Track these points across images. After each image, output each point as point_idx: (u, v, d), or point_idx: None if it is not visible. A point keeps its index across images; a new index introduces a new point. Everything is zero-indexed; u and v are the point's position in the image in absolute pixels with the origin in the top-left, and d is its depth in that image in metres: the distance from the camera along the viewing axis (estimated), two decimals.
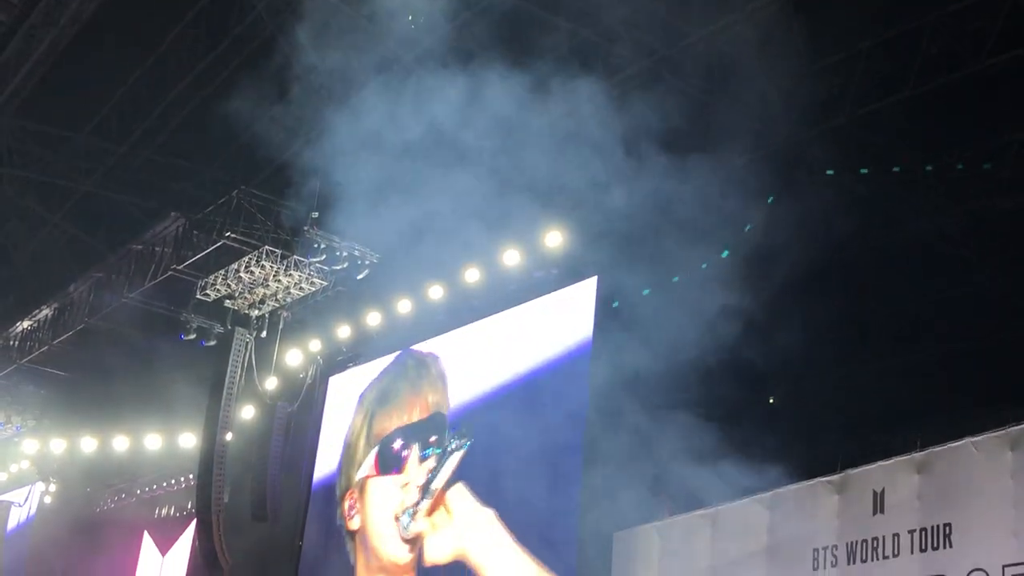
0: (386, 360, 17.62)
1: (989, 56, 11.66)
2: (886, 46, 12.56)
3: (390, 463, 15.63)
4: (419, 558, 12.82)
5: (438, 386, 15.64)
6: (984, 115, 12.98)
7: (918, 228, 14.28)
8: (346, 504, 16.17)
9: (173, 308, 18.48)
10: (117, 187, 18.52)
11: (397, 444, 15.21)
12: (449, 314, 16.47)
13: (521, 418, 14.47)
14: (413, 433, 15.07)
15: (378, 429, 15.95)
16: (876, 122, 13.34)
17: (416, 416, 15.33)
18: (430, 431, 14.89)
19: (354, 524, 15.85)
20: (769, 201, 14.15)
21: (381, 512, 15.58)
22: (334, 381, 18.92)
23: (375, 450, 15.60)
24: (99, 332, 20.23)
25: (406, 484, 15.53)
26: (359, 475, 15.67)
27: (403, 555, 14.79)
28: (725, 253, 13.60)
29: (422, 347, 16.54)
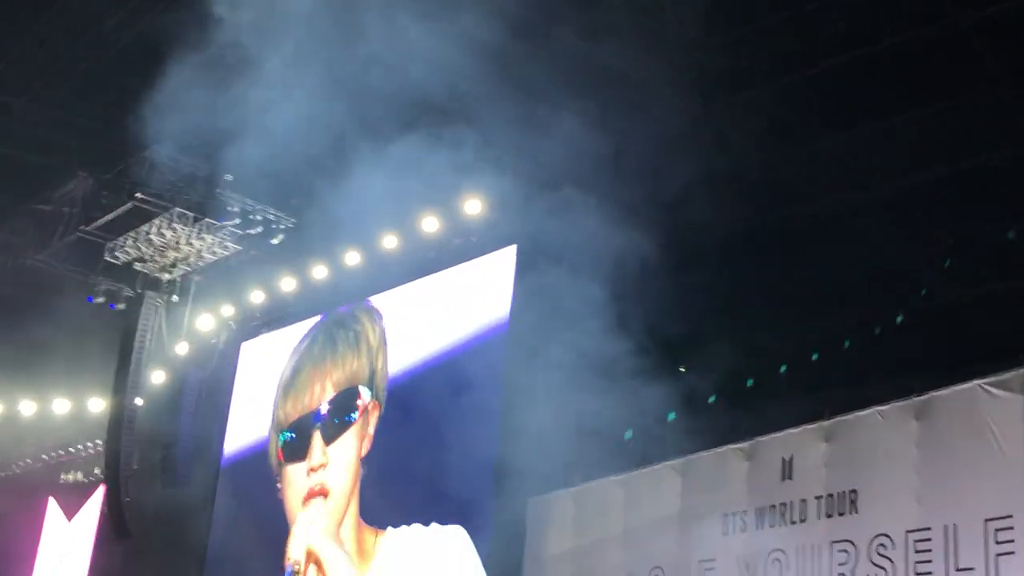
0: (301, 326, 17.48)
1: (896, 33, 11.90)
2: (796, 21, 12.75)
3: (292, 452, 15.44)
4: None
5: (349, 359, 14.98)
6: (896, 89, 13.26)
7: (830, 201, 14.57)
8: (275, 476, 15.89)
9: (81, 271, 18.08)
10: (21, 144, 17.96)
11: (295, 435, 14.79)
12: (366, 281, 16.39)
13: (438, 388, 14.50)
14: (313, 419, 14.65)
15: (282, 416, 15.38)
16: (786, 95, 13.55)
17: (317, 399, 14.76)
18: (333, 409, 14.49)
19: (281, 496, 15.73)
20: None
21: (293, 498, 15.42)
22: (247, 347, 18.73)
23: (280, 439, 15.22)
24: (3, 295, 19.72)
25: (311, 469, 15.19)
26: (273, 454, 15.55)
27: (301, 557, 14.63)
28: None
29: (405, 294, 15.64)
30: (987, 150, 12.94)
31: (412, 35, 12.52)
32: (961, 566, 8.30)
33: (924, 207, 14.41)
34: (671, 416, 13.05)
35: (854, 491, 9.40)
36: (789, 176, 14.65)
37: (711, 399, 14.08)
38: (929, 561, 8.57)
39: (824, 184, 14.45)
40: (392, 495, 14.19)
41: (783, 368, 15.01)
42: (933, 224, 14.65)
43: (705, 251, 15.56)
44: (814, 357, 14.89)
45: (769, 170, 14.69)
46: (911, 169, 13.65)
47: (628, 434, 13.04)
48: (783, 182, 14.78)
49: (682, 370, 15.40)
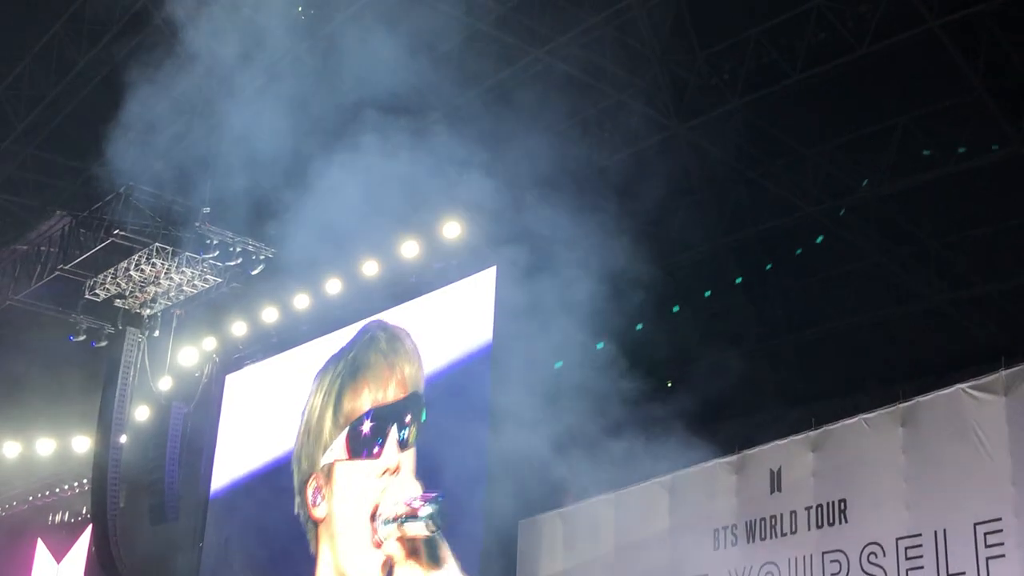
0: (285, 356, 17.39)
1: (872, 42, 11.95)
2: (772, 33, 12.79)
3: (363, 446, 14.23)
4: None
5: (413, 360, 14.35)
6: (868, 99, 13.31)
7: (807, 211, 14.59)
8: (309, 491, 14.96)
9: (62, 309, 17.97)
10: None
11: (370, 426, 13.88)
12: (348, 308, 16.30)
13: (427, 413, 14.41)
14: (389, 414, 13.81)
15: (349, 408, 14.54)
16: (765, 107, 13.59)
17: (392, 394, 13.97)
18: (406, 411, 13.68)
19: (319, 512, 14.80)
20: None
21: (354, 504, 14.47)
22: (231, 379, 18.61)
23: (345, 432, 14.30)
24: None
25: (386, 471, 14.63)
26: (326, 459, 14.59)
27: (372, 568, 13.24)
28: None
29: (389, 318, 15.41)
30: (969, 154, 12.99)
31: (390, 60, 12.55)
32: (952, 571, 8.27)
33: (907, 212, 14.46)
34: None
35: (843, 500, 9.37)
36: (770, 187, 14.68)
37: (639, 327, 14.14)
38: (921, 568, 8.54)
39: (806, 194, 14.47)
40: None
41: (768, 378, 15.01)
42: (916, 229, 14.69)
43: (687, 264, 15.57)
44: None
45: (749, 182, 14.72)
46: (893, 175, 13.69)
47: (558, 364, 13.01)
48: (764, 193, 14.81)
49: (669, 385, 15.39)
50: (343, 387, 14.96)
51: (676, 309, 15.79)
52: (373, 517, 13.00)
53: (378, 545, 11.26)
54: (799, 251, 15.16)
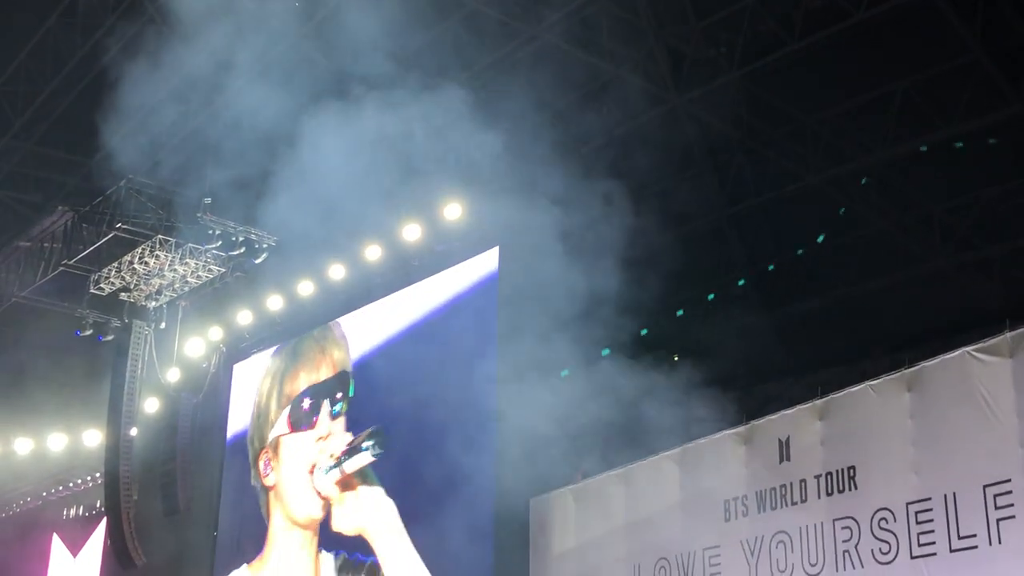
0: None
1: (868, 7, 11.89)
2: (768, 2, 12.73)
3: (302, 420, 15.80)
4: (327, 521, 12.89)
5: (341, 344, 15.79)
6: (866, 65, 13.25)
7: (808, 179, 14.55)
8: (261, 463, 16.42)
9: (67, 304, 17.99)
10: None
11: (307, 403, 15.42)
12: (352, 295, 16.31)
13: (434, 396, 14.46)
14: (322, 391, 15.21)
15: (289, 389, 16.08)
16: (763, 77, 13.53)
17: (324, 374, 15.47)
18: (336, 388, 14.98)
19: (270, 481, 16.22)
20: None
21: (296, 467, 16.01)
22: (239, 368, 18.63)
23: (287, 410, 15.79)
24: None
25: (319, 438, 16.21)
26: (272, 435, 16.07)
27: (315, 511, 14.71)
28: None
29: (391, 303, 16.51)
30: (968, 116, 12.93)
31: (386, 41, 12.52)
32: (963, 534, 8.25)
33: (909, 177, 14.42)
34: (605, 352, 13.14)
35: (852, 467, 9.35)
36: (771, 157, 14.64)
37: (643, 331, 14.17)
38: (932, 531, 8.53)
39: (807, 162, 14.43)
40: (402, 498, 14.13)
41: (774, 347, 15.01)
42: (919, 193, 14.65)
43: (688, 237, 15.55)
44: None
45: (750, 152, 14.69)
46: (894, 141, 13.65)
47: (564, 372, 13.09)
48: (765, 163, 14.78)
49: (675, 358, 15.37)
50: (284, 372, 16.66)
51: (681, 313, 15.88)
52: (311, 473, 14.26)
53: (318, 494, 12.24)
54: (800, 218, 15.13)
